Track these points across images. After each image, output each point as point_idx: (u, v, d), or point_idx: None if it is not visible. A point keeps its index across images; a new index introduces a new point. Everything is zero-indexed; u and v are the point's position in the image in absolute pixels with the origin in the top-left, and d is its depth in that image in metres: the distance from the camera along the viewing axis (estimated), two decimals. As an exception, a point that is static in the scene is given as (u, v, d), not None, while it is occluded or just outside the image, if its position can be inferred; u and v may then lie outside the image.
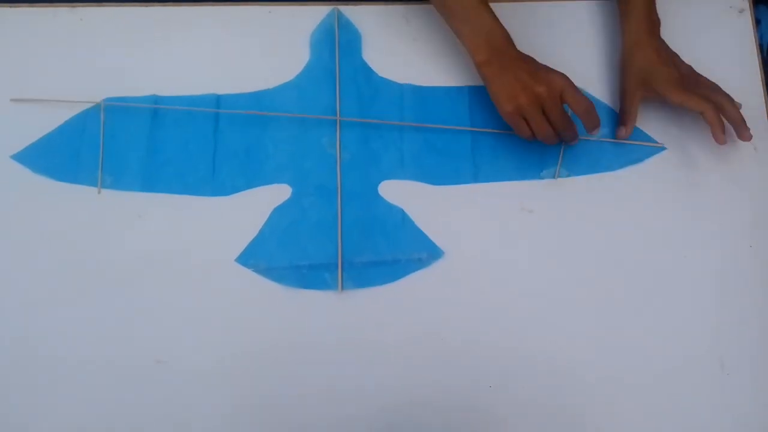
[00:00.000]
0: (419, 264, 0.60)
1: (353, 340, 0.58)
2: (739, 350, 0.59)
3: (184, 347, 0.57)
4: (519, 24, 0.62)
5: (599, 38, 0.69)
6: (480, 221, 0.62)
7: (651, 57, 0.62)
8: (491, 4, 0.59)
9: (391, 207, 0.62)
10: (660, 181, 0.64)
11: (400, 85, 0.66)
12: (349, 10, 0.68)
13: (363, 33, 0.68)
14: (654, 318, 0.60)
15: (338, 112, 0.64)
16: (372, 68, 0.67)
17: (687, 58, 0.65)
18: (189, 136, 0.63)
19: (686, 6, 0.70)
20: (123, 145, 0.62)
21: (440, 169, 0.63)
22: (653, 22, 0.63)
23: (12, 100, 0.63)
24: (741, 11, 0.70)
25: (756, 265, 0.62)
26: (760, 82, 0.68)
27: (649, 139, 0.65)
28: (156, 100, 0.64)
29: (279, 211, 0.61)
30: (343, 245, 0.60)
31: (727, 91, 0.63)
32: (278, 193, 0.62)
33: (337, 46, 0.67)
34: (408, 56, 0.67)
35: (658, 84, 0.61)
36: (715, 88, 0.63)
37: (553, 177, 0.64)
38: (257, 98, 0.65)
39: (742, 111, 0.61)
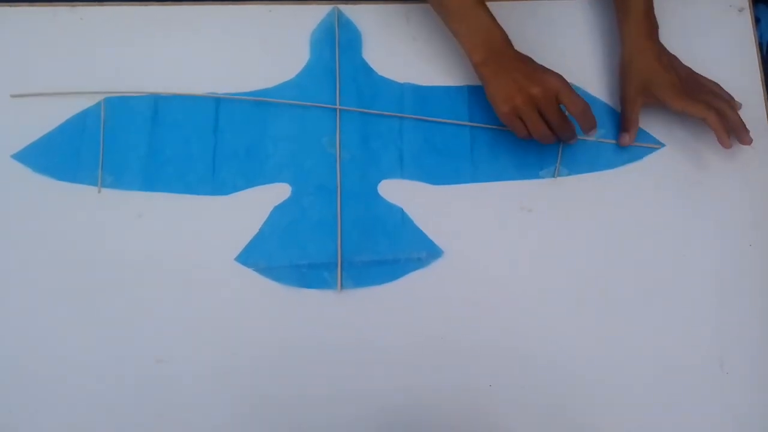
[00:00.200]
0: (419, 263, 0.60)
1: (353, 339, 0.58)
2: (739, 350, 0.59)
3: (184, 346, 0.58)
4: (517, 22, 0.62)
5: (597, 36, 0.69)
6: (479, 220, 0.62)
7: (651, 63, 0.62)
8: (488, 4, 0.59)
9: (390, 206, 0.62)
10: (660, 179, 0.64)
11: (400, 85, 0.66)
12: (349, 9, 0.68)
13: (363, 32, 0.68)
14: (654, 317, 0.60)
15: (338, 109, 0.64)
16: (372, 67, 0.67)
17: (687, 57, 0.65)
18: (189, 136, 0.63)
19: (686, 5, 0.70)
20: (123, 144, 0.63)
21: (440, 169, 0.63)
22: (652, 27, 0.63)
23: (12, 96, 0.63)
24: (741, 10, 0.70)
25: (756, 264, 0.62)
26: (760, 81, 0.68)
27: (648, 136, 0.65)
28: (156, 99, 0.64)
29: (279, 211, 0.61)
30: (342, 244, 0.60)
31: (727, 90, 0.63)
32: (278, 192, 0.62)
33: (338, 45, 0.67)
34: (408, 55, 0.67)
35: (658, 90, 0.61)
36: (715, 90, 0.63)
37: (553, 176, 0.64)
38: (257, 97, 0.65)
39: (742, 110, 0.61)
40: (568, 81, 0.57)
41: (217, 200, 0.62)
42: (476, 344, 0.59)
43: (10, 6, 0.67)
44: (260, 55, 0.66)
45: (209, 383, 0.57)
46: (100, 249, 0.60)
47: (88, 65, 0.65)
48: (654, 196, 0.63)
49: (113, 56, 0.65)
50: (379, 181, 0.63)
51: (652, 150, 0.65)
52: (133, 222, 0.61)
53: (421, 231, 0.61)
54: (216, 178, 0.62)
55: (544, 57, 0.59)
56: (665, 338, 0.59)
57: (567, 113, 0.59)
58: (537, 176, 0.64)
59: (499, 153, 0.64)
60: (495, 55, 0.58)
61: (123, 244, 0.60)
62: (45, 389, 0.56)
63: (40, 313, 0.58)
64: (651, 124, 0.65)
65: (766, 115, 0.66)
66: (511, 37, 0.59)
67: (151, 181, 0.62)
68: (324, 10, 0.68)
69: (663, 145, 0.65)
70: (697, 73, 0.64)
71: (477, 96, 0.65)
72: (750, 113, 0.62)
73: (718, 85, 0.64)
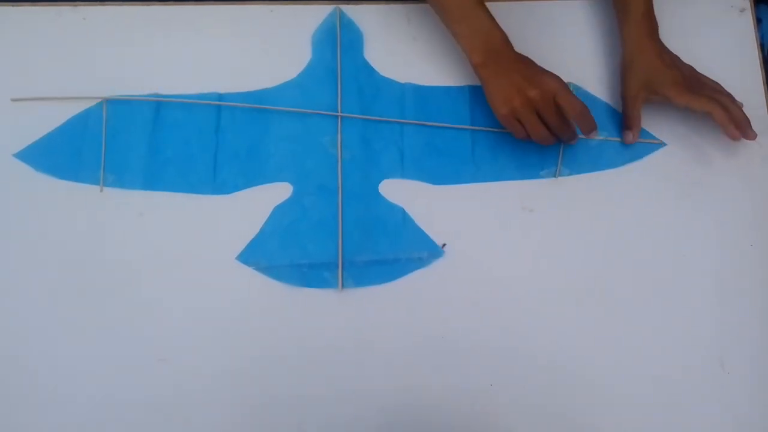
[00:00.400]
0: (419, 263, 0.60)
1: (353, 338, 0.58)
2: (739, 349, 0.59)
3: (186, 345, 0.58)
4: (517, 22, 0.62)
5: (597, 36, 0.69)
6: (480, 220, 0.62)
7: (653, 61, 0.62)
8: (488, 4, 0.59)
9: (391, 206, 0.62)
10: (661, 178, 0.64)
11: (402, 85, 0.66)
12: (350, 10, 0.69)
13: (365, 32, 0.68)
14: (654, 316, 0.60)
15: (339, 110, 0.65)
16: (373, 67, 0.67)
17: (688, 57, 0.65)
18: (190, 135, 0.63)
19: (687, 5, 0.70)
20: (125, 143, 0.63)
21: (441, 169, 0.63)
22: (652, 26, 0.63)
23: (13, 99, 0.63)
24: (742, 10, 0.70)
25: (756, 264, 0.62)
26: (761, 81, 0.68)
27: (649, 135, 0.65)
28: (158, 98, 0.64)
29: (280, 210, 0.62)
30: (343, 244, 0.60)
31: (728, 90, 0.63)
32: (279, 191, 0.62)
33: (339, 45, 0.67)
34: (409, 56, 0.67)
35: (661, 87, 0.61)
36: (717, 88, 0.63)
37: (554, 176, 0.64)
38: (259, 97, 0.65)
39: (743, 110, 0.61)
40: (569, 81, 0.57)
41: (218, 199, 0.62)
42: (477, 344, 0.59)
43: (13, 5, 0.67)
44: (262, 55, 0.67)
45: (211, 382, 0.57)
46: (101, 248, 0.60)
47: (90, 64, 0.65)
48: (655, 196, 0.63)
49: (115, 55, 0.66)
50: (380, 181, 0.63)
51: (653, 150, 0.65)
52: (135, 221, 0.61)
53: (422, 231, 0.61)
54: (217, 177, 0.62)
55: (544, 57, 0.59)
56: (666, 338, 0.59)
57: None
58: (538, 176, 0.64)
59: (500, 153, 0.64)
60: (494, 57, 0.58)
61: (124, 243, 0.60)
62: (46, 389, 0.56)
63: (41, 311, 0.58)
64: (652, 124, 0.65)
65: (767, 116, 0.66)
66: (510, 37, 0.59)
67: (152, 180, 0.62)
68: (326, 10, 0.68)
69: (664, 143, 0.65)
70: (699, 72, 0.64)
71: (478, 96, 0.65)
72: (751, 114, 0.61)
73: (719, 84, 0.64)
